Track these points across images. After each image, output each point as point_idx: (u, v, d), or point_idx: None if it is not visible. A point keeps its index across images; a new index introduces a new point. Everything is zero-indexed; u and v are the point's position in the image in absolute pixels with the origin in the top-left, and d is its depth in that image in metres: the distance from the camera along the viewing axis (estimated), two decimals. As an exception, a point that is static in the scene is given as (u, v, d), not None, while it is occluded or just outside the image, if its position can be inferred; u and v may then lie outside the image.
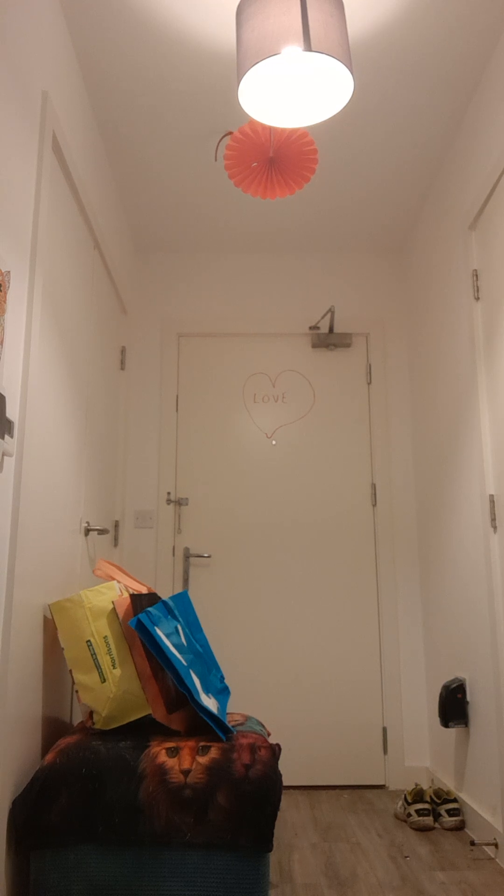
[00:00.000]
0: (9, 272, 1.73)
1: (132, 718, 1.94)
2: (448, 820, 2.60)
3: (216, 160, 2.92)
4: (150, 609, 1.95)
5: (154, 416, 3.56)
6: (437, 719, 2.92)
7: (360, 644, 3.33)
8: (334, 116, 2.71)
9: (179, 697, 1.95)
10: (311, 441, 3.54)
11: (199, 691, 1.91)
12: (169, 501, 3.45)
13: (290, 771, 3.20)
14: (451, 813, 2.61)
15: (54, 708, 2.15)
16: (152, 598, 2.11)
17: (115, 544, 3.26)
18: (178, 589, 3.37)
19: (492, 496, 2.43)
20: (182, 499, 3.46)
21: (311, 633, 3.34)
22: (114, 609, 1.99)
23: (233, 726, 2.03)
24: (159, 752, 1.77)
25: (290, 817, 2.77)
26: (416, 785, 2.76)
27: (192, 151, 2.92)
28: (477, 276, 2.62)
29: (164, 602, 2.07)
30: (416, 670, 3.30)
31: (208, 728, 1.95)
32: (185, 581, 3.37)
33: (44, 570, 2.07)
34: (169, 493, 3.46)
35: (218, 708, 2.01)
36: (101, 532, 2.67)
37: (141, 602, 2.02)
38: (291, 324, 3.65)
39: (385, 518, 3.44)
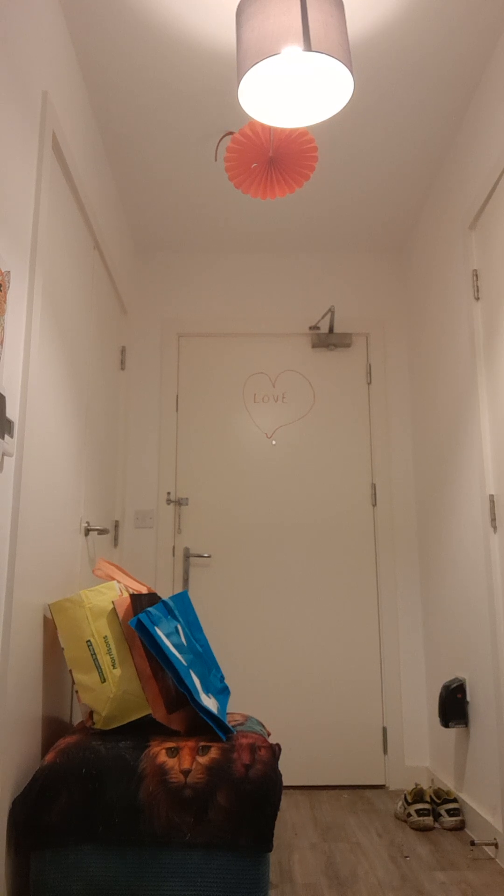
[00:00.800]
0: (9, 272, 1.73)
1: (132, 718, 1.94)
2: (448, 820, 2.60)
3: (216, 160, 2.92)
4: (150, 609, 1.95)
5: (154, 416, 3.56)
6: (437, 719, 2.92)
7: (360, 644, 3.33)
8: (334, 116, 2.71)
9: (179, 697, 1.95)
10: (311, 441, 3.54)
11: (199, 691, 1.91)
12: (169, 501, 3.45)
13: (290, 771, 3.20)
14: (451, 813, 2.61)
15: (54, 708, 2.15)
16: (152, 598, 2.11)
17: (115, 544, 3.26)
18: (178, 589, 3.37)
19: (492, 496, 2.43)
20: (182, 499, 3.47)
21: (312, 633, 3.34)
22: (114, 609, 1.99)
23: (233, 726, 2.03)
24: (159, 752, 1.77)
25: (290, 817, 2.77)
26: (416, 785, 2.76)
27: (192, 151, 2.92)
28: (477, 276, 2.62)
29: (164, 602, 2.07)
30: (416, 670, 3.30)
31: (208, 728, 1.95)
32: (185, 581, 3.37)
33: (44, 570, 2.07)
34: (169, 493, 3.46)
35: (218, 708, 2.01)
36: (101, 532, 2.67)
37: (141, 602, 2.02)
38: (291, 324, 3.65)
39: (385, 518, 3.44)
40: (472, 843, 2.43)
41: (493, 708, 2.39)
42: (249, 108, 1.95)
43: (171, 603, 2.10)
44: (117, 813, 1.68)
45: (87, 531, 2.61)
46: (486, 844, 2.38)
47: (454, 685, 2.66)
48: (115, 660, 1.92)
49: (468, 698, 2.65)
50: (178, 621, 2.08)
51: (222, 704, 2.08)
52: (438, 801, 2.69)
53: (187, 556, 3.39)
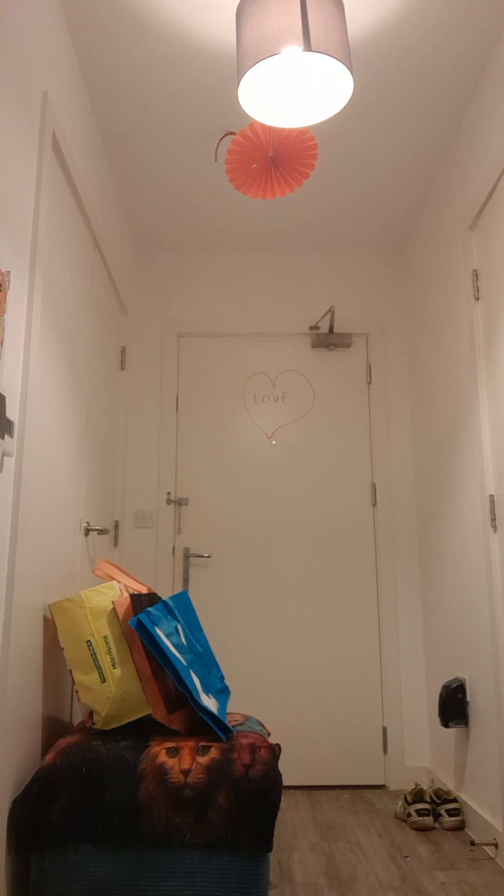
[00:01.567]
0: (9, 272, 1.73)
1: (132, 718, 1.94)
2: (448, 820, 2.60)
3: (216, 160, 2.92)
4: (150, 609, 1.95)
5: (154, 416, 3.56)
6: (437, 719, 2.92)
7: (360, 644, 3.33)
8: (334, 116, 2.71)
9: (179, 697, 1.95)
10: (311, 441, 3.54)
11: (199, 691, 1.91)
12: (169, 501, 3.45)
13: (290, 771, 3.20)
14: (451, 813, 2.61)
15: (54, 708, 2.15)
16: (152, 598, 2.11)
17: (115, 544, 3.26)
18: (178, 589, 3.37)
19: (492, 496, 2.43)
20: (182, 499, 3.47)
21: (312, 633, 3.34)
22: (114, 609, 1.99)
23: (233, 726, 2.03)
24: (159, 752, 1.77)
25: (290, 817, 2.77)
26: (416, 785, 2.76)
27: (192, 151, 2.92)
28: (477, 276, 2.62)
29: (164, 602, 2.07)
30: (416, 670, 3.30)
31: (208, 728, 1.95)
32: (185, 581, 3.37)
33: (44, 570, 2.07)
34: (169, 493, 3.46)
35: (218, 708, 2.01)
36: (101, 532, 2.67)
37: (141, 602, 2.02)
38: (291, 324, 3.65)
39: (385, 518, 3.44)
40: (472, 843, 2.43)
41: (493, 708, 2.39)
42: (249, 108, 1.95)
43: (171, 603, 2.10)
44: (117, 813, 1.68)
45: (87, 531, 2.61)
46: (486, 844, 2.38)
47: (454, 685, 2.66)
48: (115, 660, 1.92)
49: (468, 698, 2.65)
50: (178, 621, 2.08)
51: (222, 704, 2.08)
52: (438, 801, 2.69)
53: (187, 556, 3.39)
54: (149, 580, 3.38)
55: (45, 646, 2.05)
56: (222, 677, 2.20)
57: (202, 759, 1.75)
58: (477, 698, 2.56)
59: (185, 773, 1.72)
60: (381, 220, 3.46)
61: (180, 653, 1.94)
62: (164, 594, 3.35)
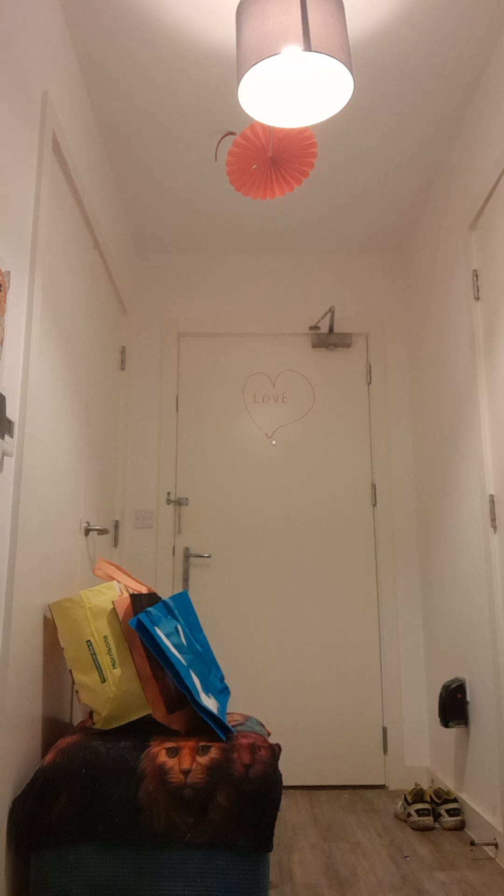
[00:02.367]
0: (9, 272, 1.73)
1: (132, 718, 1.94)
2: (448, 820, 2.60)
3: (216, 160, 2.92)
4: (150, 609, 1.95)
5: (154, 416, 3.56)
6: (437, 719, 2.92)
7: (360, 644, 3.33)
8: (334, 116, 2.71)
9: (179, 697, 1.95)
10: (311, 441, 3.54)
11: (199, 691, 1.91)
12: (169, 501, 3.45)
13: (290, 771, 3.20)
14: (451, 813, 2.61)
15: (54, 708, 2.15)
16: (152, 598, 2.11)
17: (115, 544, 3.26)
18: (178, 589, 3.37)
19: (492, 496, 2.43)
20: (182, 499, 3.47)
21: (312, 633, 3.34)
22: (114, 609, 1.99)
23: (233, 726, 2.03)
24: (159, 752, 1.77)
25: (290, 817, 2.77)
26: (416, 785, 2.76)
27: (192, 151, 2.92)
28: (477, 276, 2.62)
29: (164, 602, 2.07)
30: (416, 670, 3.30)
31: (208, 728, 1.95)
32: (185, 581, 3.37)
33: (44, 570, 2.07)
34: (169, 493, 3.46)
35: (218, 708, 2.01)
36: (101, 532, 2.67)
37: (141, 602, 2.02)
38: (291, 324, 3.65)
39: (385, 518, 3.44)
40: (472, 843, 2.43)
41: (493, 708, 2.39)
42: (249, 107, 1.95)
43: (171, 603, 2.10)
44: (117, 813, 1.68)
45: (87, 531, 2.61)
46: (486, 844, 2.38)
47: (454, 685, 2.66)
48: (115, 660, 1.92)
49: (468, 698, 2.65)
50: (178, 621, 2.09)
51: (222, 704, 2.08)
52: (438, 801, 2.69)
53: (187, 556, 3.39)
54: (149, 580, 3.38)
55: (45, 646, 2.05)
56: (222, 677, 2.20)
57: (202, 759, 1.75)
58: (477, 698, 2.56)
59: (186, 773, 1.72)
60: (382, 220, 3.46)
61: (180, 653, 1.94)
62: (164, 594, 3.35)
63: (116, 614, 1.98)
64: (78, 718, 2.44)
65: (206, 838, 1.67)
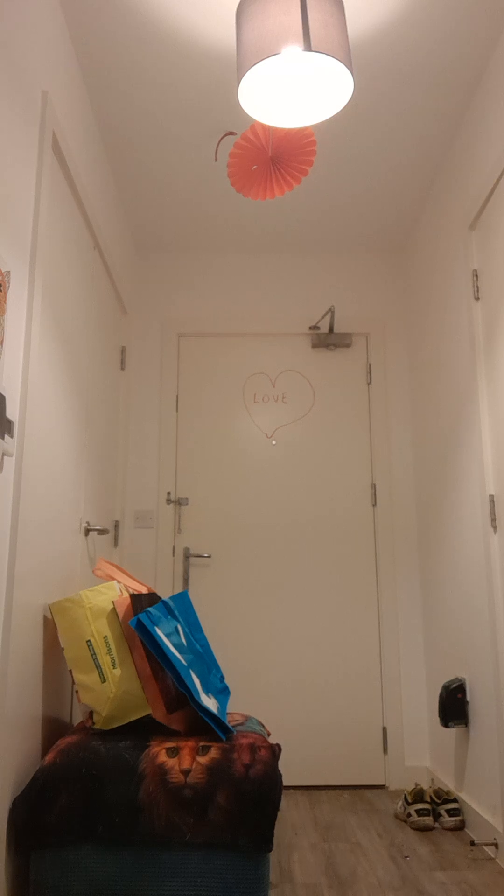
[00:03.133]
0: (9, 272, 1.73)
1: (132, 718, 1.94)
2: (448, 820, 2.60)
3: (216, 160, 2.92)
4: (150, 609, 1.95)
5: (154, 416, 3.56)
6: (437, 719, 2.92)
7: (360, 644, 3.33)
8: (334, 116, 2.71)
9: (179, 697, 1.95)
10: (311, 441, 3.54)
11: (199, 691, 1.91)
12: (169, 501, 3.45)
13: (290, 771, 3.20)
14: (451, 813, 2.61)
15: (54, 708, 2.15)
16: (152, 598, 2.11)
17: (115, 544, 3.26)
18: (178, 589, 3.37)
19: (492, 496, 2.43)
20: (182, 499, 3.47)
21: (311, 633, 3.34)
22: (114, 609, 1.99)
23: (233, 726, 2.03)
24: (159, 752, 1.77)
25: (290, 817, 2.77)
26: (416, 785, 2.76)
27: (192, 151, 2.92)
28: (477, 276, 2.62)
29: (164, 602, 2.07)
30: (416, 670, 3.30)
31: (208, 728, 1.95)
32: (185, 581, 3.37)
33: (44, 570, 2.07)
34: (169, 493, 3.46)
35: (218, 708, 2.01)
36: (101, 532, 2.67)
37: (141, 602, 2.02)
38: (291, 324, 3.65)
39: (385, 518, 3.44)
40: (472, 843, 2.43)
41: (493, 708, 2.39)
42: (249, 107, 1.95)
43: (171, 603, 2.10)
44: (117, 813, 1.68)
45: (87, 531, 2.61)
46: (486, 844, 2.38)
47: (454, 685, 2.66)
48: (115, 660, 1.92)
49: (468, 698, 2.65)
50: (178, 621, 2.08)
51: (222, 704, 2.08)
52: (438, 801, 2.69)
53: (187, 556, 3.39)
54: (149, 580, 3.38)
55: (45, 646, 2.05)
56: (222, 677, 2.20)
57: (202, 759, 1.75)
58: (477, 698, 2.56)
59: (185, 773, 1.72)
60: (382, 220, 3.46)
61: (180, 653, 1.94)
62: (164, 594, 3.36)
63: (116, 614, 1.98)
64: (78, 718, 2.44)
65: (206, 838, 1.67)
